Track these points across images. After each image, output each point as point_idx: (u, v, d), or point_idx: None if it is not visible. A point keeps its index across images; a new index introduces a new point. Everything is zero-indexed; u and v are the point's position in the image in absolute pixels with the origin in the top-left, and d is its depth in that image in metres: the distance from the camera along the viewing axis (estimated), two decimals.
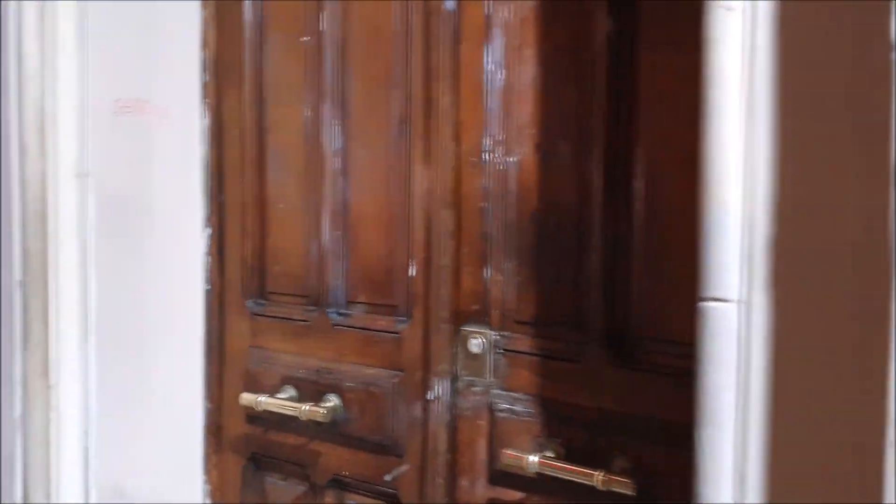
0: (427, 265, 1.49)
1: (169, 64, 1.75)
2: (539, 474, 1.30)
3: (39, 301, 1.63)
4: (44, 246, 1.62)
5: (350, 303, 1.63)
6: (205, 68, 1.80)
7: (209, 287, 1.82)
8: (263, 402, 1.64)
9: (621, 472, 1.21)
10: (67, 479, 1.64)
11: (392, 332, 1.54)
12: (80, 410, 1.67)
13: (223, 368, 1.83)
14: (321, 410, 1.56)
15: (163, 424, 1.78)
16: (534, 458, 1.28)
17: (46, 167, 1.62)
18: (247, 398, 1.67)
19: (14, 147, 1.62)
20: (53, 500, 1.60)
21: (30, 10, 1.57)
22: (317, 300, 1.67)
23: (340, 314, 1.63)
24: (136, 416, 1.77)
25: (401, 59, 1.52)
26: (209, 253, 1.82)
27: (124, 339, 1.76)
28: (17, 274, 1.64)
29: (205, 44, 1.80)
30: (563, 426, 1.32)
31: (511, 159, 1.39)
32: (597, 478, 1.21)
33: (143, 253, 1.77)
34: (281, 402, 1.62)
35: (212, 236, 1.82)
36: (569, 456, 1.30)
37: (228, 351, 1.82)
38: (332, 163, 1.63)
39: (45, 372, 1.62)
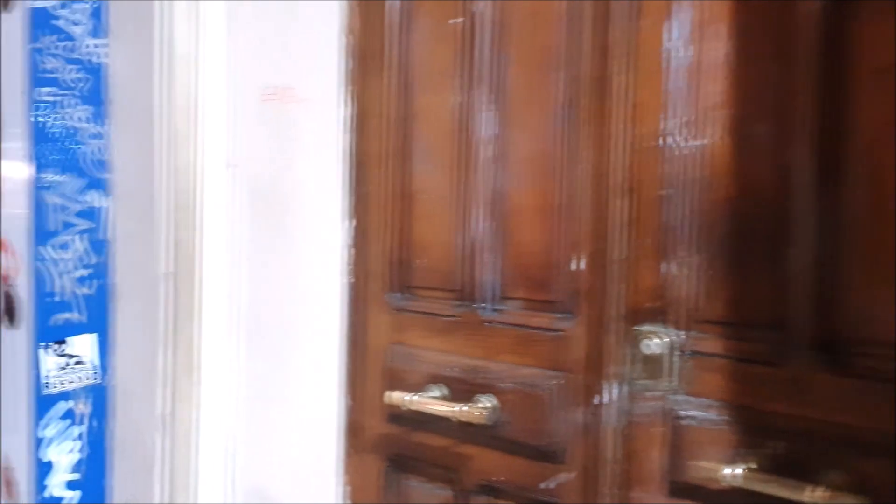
0: (596, 258, 1.37)
1: (311, 50, 1.67)
2: (733, 487, 1.17)
3: (188, 294, 1.57)
4: (192, 237, 1.56)
5: (503, 298, 1.52)
6: (347, 54, 1.72)
7: (351, 280, 1.74)
8: (413, 400, 1.55)
9: (840, 488, 1.08)
10: (210, 479, 1.57)
11: (553, 331, 1.43)
12: (225, 409, 1.61)
13: (363, 365, 1.74)
14: (478, 412, 1.46)
15: (301, 422, 1.71)
16: (734, 470, 1.15)
17: (196, 156, 1.56)
18: (394, 396, 1.58)
19: (163, 134, 1.56)
20: (194, 501, 1.53)
21: None
22: (466, 295, 1.57)
23: (493, 310, 1.53)
24: (275, 413, 1.70)
25: (568, 37, 1.40)
26: (351, 245, 1.74)
27: (265, 334, 1.69)
28: (163, 266, 1.58)
29: (348, 29, 1.72)
30: (759, 436, 1.18)
31: (697, 143, 1.26)
32: (812, 493, 1.07)
33: (283, 245, 1.69)
34: (432, 402, 1.53)
35: (353, 228, 1.74)
36: (768, 469, 1.16)
37: (369, 347, 1.74)
38: (485, 150, 1.53)
39: (192, 369, 1.56)
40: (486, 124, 1.53)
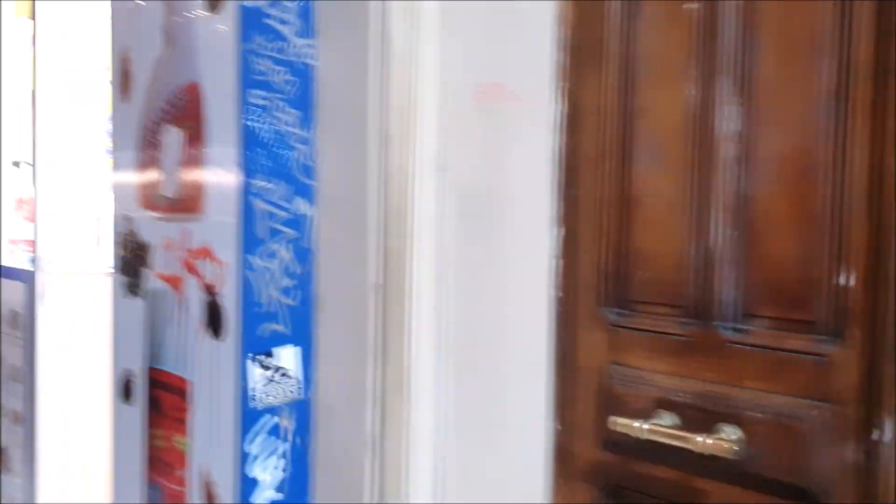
0: (873, 274, 1.23)
1: (523, 44, 1.60)
2: None
3: (398, 307, 1.53)
4: (403, 246, 1.52)
5: (747, 317, 1.40)
6: (560, 47, 1.64)
7: (559, 294, 1.66)
8: (644, 428, 1.45)
9: None
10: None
11: (814, 355, 1.30)
12: (434, 430, 1.56)
13: (573, 386, 1.66)
14: (727, 444, 1.34)
15: (509, 445, 1.64)
16: None
17: (409, 160, 1.52)
18: (621, 422, 1.48)
19: (376, 138, 1.53)
20: None
21: None
22: (700, 312, 1.45)
23: (734, 330, 1.41)
24: (483, 434, 1.63)
25: (836, 17, 1.27)
26: (559, 255, 1.66)
27: (471, 349, 1.64)
28: (372, 276, 1.55)
29: (561, 19, 1.64)
30: None
31: None
32: None
33: (491, 254, 1.63)
34: (668, 431, 1.42)
35: (562, 236, 1.65)
36: None
37: (580, 367, 1.65)
38: (727, 149, 1.41)
39: (402, 386, 1.52)
40: (728, 120, 1.41)
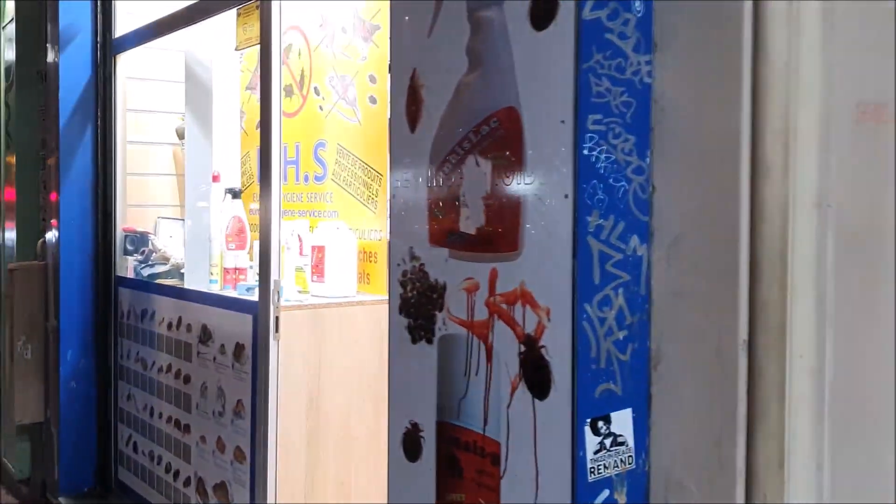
0: None
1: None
2: None
3: (776, 368, 1.34)
4: (783, 297, 1.33)
5: None
6: None
7: None
8: None
9: None
10: None
11: None
12: None
13: None
14: None
15: None
16: None
17: (787, 194, 1.33)
18: None
19: (745, 167, 1.36)
20: None
21: None
22: None
23: None
24: None
25: None
26: None
27: (851, 420, 1.42)
28: (742, 331, 1.37)
29: None
30: None
31: None
32: None
33: (871, 304, 1.41)
34: None
35: None
36: None
37: None
38: None
39: (782, 463, 1.32)
40: None
